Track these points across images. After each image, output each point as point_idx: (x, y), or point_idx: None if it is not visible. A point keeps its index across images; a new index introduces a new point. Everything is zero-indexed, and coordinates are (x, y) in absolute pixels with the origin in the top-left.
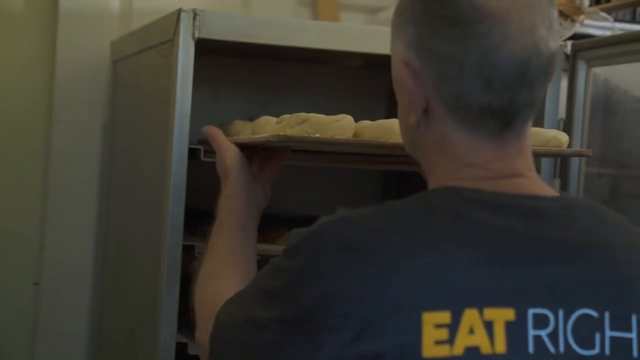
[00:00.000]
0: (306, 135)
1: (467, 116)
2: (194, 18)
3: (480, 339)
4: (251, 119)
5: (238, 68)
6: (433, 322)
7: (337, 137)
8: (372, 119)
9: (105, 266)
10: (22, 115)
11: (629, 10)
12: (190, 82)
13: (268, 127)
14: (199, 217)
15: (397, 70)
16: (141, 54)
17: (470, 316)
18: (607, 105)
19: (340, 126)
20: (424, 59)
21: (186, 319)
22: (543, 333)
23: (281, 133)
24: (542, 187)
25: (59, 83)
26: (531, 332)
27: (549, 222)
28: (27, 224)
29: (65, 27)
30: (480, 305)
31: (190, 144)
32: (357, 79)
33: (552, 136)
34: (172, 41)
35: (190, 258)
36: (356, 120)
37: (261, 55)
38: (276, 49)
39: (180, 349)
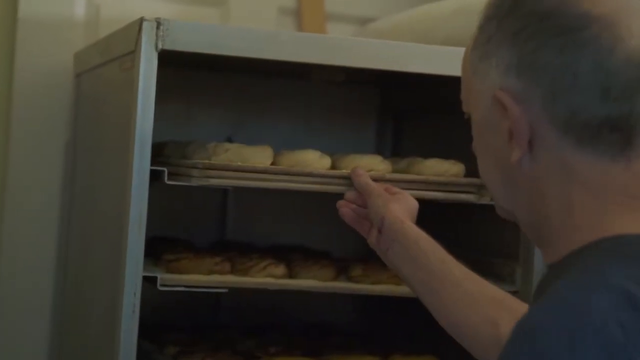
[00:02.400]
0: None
1: (585, 134)
2: (157, 28)
3: None
4: (230, 138)
5: (213, 83)
6: None
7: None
8: (359, 138)
9: (63, 298)
10: None
11: None
12: (152, 98)
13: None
14: (164, 245)
15: (486, 107)
16: (103, 66)
17: None
18: None
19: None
20: (528, 79)
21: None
22: None
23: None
24: None
25: (17, 98)
26: None
27: None
28: None
29: (25, 36)
30: None
31: (153, 165)
32: (342, 95)
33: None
34: (133, 53)
35: (152, 290)
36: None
37: (237, 69)
38: (253, 62)
39: None
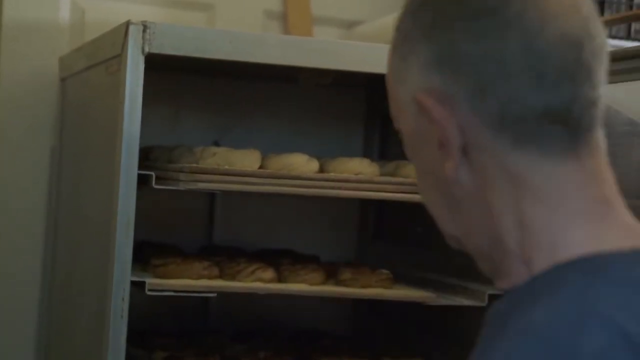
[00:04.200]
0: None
1: (523, 131)
2: (144, 31)
3: None
4: (217, 142)
5: (199, 87)
6: None
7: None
8: (347, 141)
9: (51, 304)
10: None
11: (623, 26)
12: (139, 101)
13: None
14: (151, 250)
15: (412, 117)
16: (89, 70)
17: None
18: None
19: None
20: (450, 74)
21: None
22: None
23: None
24: None
25: (1, 103)
26: None
27: None
28: None
29: (9, 41)
30: None
31: (141, 169)
32: (329, 99)
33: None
34: (120, 56)
35: (140, 296)
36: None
37: (225, 72)
38: (240, 66)
39: None
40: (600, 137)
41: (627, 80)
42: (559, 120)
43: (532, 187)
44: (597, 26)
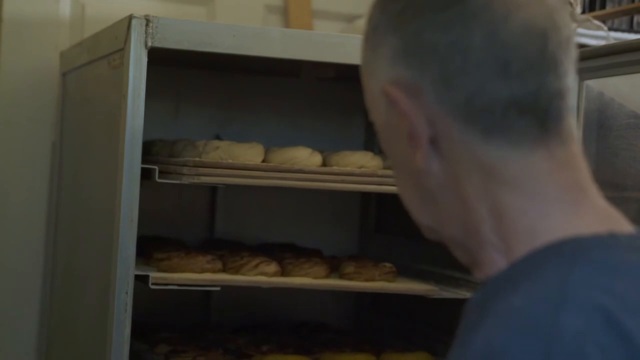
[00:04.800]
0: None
1: (490, 122)
2: (147, 25)
3: None
4: (218, 136)
5: (201, 81)
6: None
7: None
8: (348, 135)
9: (52, 299)
10: None
11: (625, 18)
12: (142, 95)
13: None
14: (153, 244)
15: (384, 110)
16: (91, 65)
17: None
18: (601, 120)
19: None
20: (417, 65)
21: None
22: None
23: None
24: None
25: (2, 98)
26: None
27: None
28: None
29: (10, 36)
30: None
31: (144, 163)
32: (331, 92)
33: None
34: (122, 50)
35: (143, 290)
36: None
37: (226, 66)
38: (241, 60)
39: None
40: (571, 127)
41: (629, 73)
42: (525, 111)
43: (505, 177)
44: (564, 17)
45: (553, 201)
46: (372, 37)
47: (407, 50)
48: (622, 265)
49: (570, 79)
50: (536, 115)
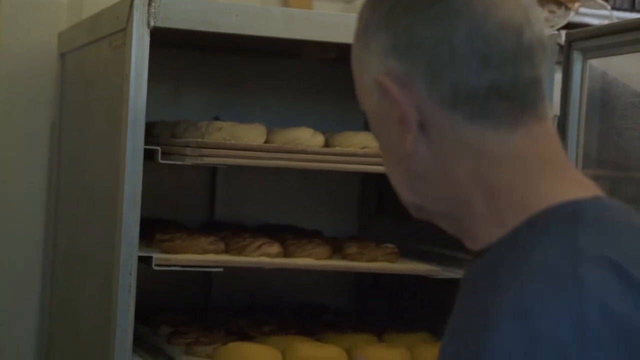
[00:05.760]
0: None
1: (473, 108)
2: (149, 4)
3: None
4: (217, 118)
5: (201, 62)
6: None
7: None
8: (349, 117)
9: (53, 282)
10: None
11: None
12: (145, 76)
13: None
14: (155, 226)
15: (376, 99)
16: (91, 45)
17: None
18: (604, 100)
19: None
20: (407, 58)
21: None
22: None
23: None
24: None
25: (0, 79)
26: None
27: None
28: None
29: (8, 17)
30: None
31: (146, 144)
32: (333, 73)
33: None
34: (124, 30)
35: (145, 271)
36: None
37: (226, 47)
38: (242, 40)
39: None
40: (546, 109)
41: (632, 52)
42: (505, 96)
43: (491, 156)
44: (536, 13)
45: (539, 174)
46: (363, 34)
47: (399, 45)
48: (616, 224)
49: (544, 68)
50: (515, 100)
